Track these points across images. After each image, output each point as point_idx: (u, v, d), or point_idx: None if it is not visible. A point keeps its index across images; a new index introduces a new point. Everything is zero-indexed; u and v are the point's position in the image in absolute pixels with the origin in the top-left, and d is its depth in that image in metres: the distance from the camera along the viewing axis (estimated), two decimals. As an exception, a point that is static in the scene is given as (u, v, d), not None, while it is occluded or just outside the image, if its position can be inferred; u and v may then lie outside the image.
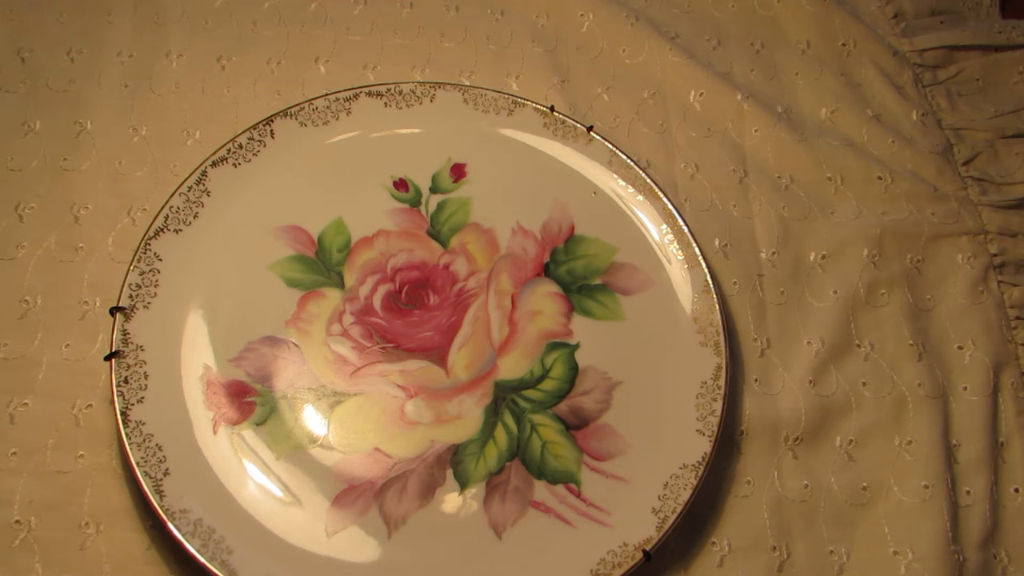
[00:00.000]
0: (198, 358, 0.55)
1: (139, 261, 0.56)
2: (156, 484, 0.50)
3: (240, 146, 0.61)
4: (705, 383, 0.56)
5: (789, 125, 0.69)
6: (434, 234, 0.61)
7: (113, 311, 0.55)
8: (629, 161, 0.63)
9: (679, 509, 0.52)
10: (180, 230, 0.58)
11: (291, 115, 0.63)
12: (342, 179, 0.63)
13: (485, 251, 0.61)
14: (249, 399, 0.55)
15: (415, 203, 0.62)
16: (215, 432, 0.53)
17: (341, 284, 0.59)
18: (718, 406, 0.55)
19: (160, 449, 0.51)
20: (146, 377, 0.53)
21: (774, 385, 0.59)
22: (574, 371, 0.57)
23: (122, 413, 0.52)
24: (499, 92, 0.65)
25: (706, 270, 0.59)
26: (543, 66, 0.70)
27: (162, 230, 0.58)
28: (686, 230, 0.61)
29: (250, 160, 0.61)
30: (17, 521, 0.52)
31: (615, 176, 0.63)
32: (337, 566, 0.50)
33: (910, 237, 0.65)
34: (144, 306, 0.55)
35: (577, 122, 0.65)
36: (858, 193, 0.67)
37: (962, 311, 0.63)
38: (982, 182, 0.68)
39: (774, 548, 0.55)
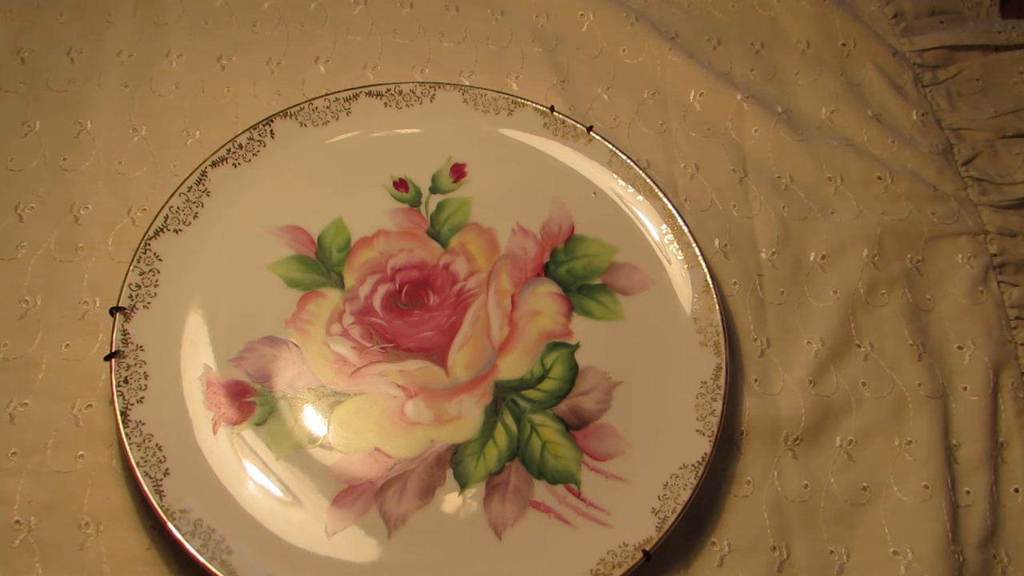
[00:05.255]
0: (198, 358, 0.55)
1: (139, 261, 0.56)
2: (156, 484, 0.50)
3: (240, 146, 0.61)
4: (705, 383, 0.56)
5: (789, 125, 0.69)
6: (434, 234, 0.61)
7: (113, 311, 0.55)
8: (629, 161, 0.63)
9: (679, 509, 0.52)
10: (180, 230, 0.58)
11: (291, 115, 0.63)
12: (342, 179, 0.63)
13: (485, 251, 0.61)
14: (249, 399, 0.55)
15: (415, 203, 0.62)
16: (215, 432, 0.53)
17: (341, 284, 0.59)
18: (718, 406, 0.55)
19: (160, 449, 0.51)
20: (146, 377, 0.53)
21: (774, 385, 0.59)
22: (574, 371, 0.57)
23: (122, 413, 0.52)
24: (499, 92, 0.65)
25: (706, 270, 0.59)
26: (543, 66, 0.70)
27: (162, 230, 0.58)
28: (686, 230, 0.61)
29: (250, 160, 0.61)
30: (17, 521, 0.52)
31: (615, 176, 0.63)
32: (337, 566, 0.50)
33: (910, 237, 0.65)
34: (144, 306, 0.55)
35: (577, 122, 0.65)
36: (858, 193, 0.67)
37: (962, 311, 0.63)
38: (982, 182, 0.68)
39: (774, 548, 0.55)
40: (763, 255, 0.64)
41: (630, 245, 0.61)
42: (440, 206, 0.62)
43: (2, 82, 0.66)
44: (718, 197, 0.66)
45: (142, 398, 0.53)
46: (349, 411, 0.55)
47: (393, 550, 0.51)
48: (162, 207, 0.58)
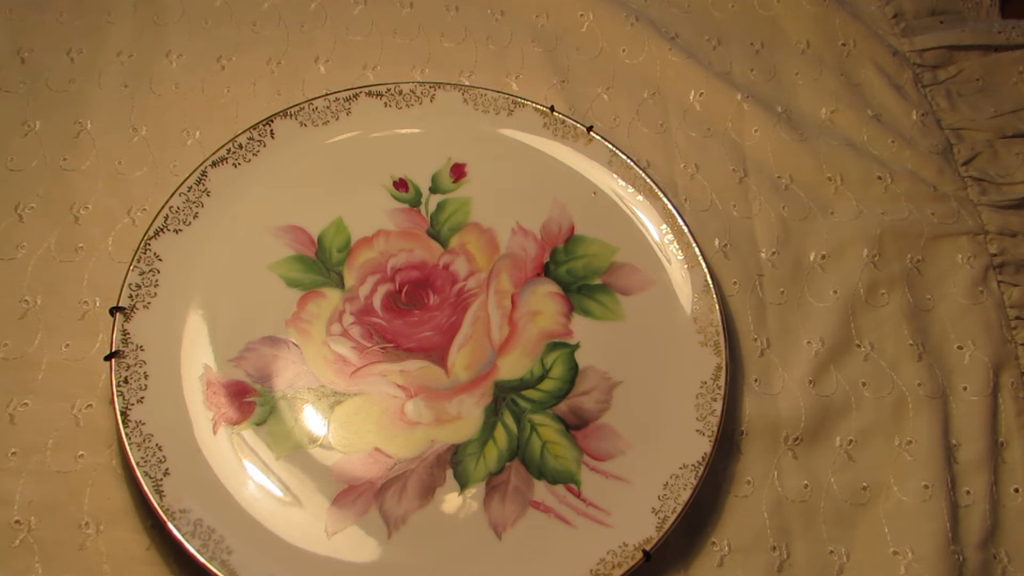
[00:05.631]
0: (198, 358, 0.55)
1: (139, 261, 0.56)
2: (156, 484, 0.50)
3: (240, 146, 0.61)
4: (705, 383, 0.56)
5: (789, 125, 0.69)
6: (434, 234, 0.61)
7: (113, 311, 0.55)
8: (629, 161, 0.63)
9: (679, 509, 0.52)
10: (180, 230, 0.58)
11: (291, 115, 0.63)
12: (342, 179, 0.63)
13: (485, 251, 0.61)
14: (249, 399, 0.55)
15: (415, 203, 0.62)
16: (215, 432, 0.53)
17: (341, 284, 0.59)
18: (718, 406, 0.55)
19: (160, 449, 0.51)
20: (146, 377, 0.53)
21: (774, 385, 0.59)
22: (574, 371, 0.57)
23: (122, 413, 0.52)
24: (499, 92, 0.65)
25: (706, 270, 0.59)
26: (543, 66, 0.70)
27: (162, 230, 0.58)
28: (686, 230, 0.61)
29: (250, 160, 0.61)
30: (17, 521, 0.52)
31: (615, 176, 0.63)
32: (337, 566, 0.50)
33: (910, 237, 0.65)
34: (144, 306, 0.55)
35: (577, 122, 0.65)
36: (858, 193, 0.67)
37: (962, 311, 0.63)
38: (982, 182, 0.68)
39: (774, 548, 0.55)
40: (763, 255, 0.64)
41: (630, 245, 0.61)
42: (440, 206, 0.62)
43: (2, 82, 0.66)
44: (718, 197, 0.66)
45: (142, 398, 0.53)
46: (349, 411, 0.55)
47: (393, 550, 0.51)
48: (162, 207, 0.58)
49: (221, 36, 0.69)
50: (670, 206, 0.62)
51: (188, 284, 0.57)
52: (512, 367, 0.57)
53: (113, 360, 0.53)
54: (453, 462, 0.54)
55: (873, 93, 0.72)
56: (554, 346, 0.58)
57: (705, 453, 0.54)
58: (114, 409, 0.52)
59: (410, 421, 0.55)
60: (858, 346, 0.61)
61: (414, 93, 0.65)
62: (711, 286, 0.59)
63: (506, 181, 0.63)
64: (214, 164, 0.60)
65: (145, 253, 0.57)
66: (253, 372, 0.55)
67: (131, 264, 0.56)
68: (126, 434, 0.51)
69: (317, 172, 0.62)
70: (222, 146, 0.61)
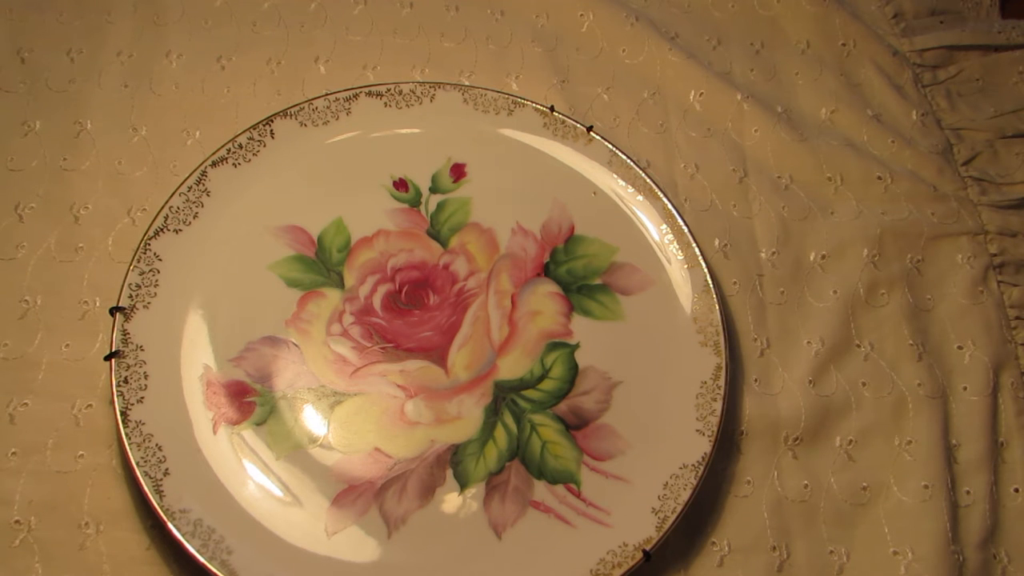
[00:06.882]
0: (198, 358, 0.55)
1: (139, 261, 0.56)
2: (156, 484, 0.50)
3: (240, 146, 0.61)
4: (705, 383, 0.56)
5: (789, 125, 0.69)
6: (434, 234, 0.61)
7: (113, 311, 0.55)
8: (629, 161, 0.63)
9: (679, 509, 0.52)
10: (180, 230, 0.58)
11: (291, 115, 0.63)
12: (342, 179, 0.63)
13: (485, 251, 0.61)
14: (249, 399, 0.55)
15: (415, 203, 0.62)
16: (215, 432, 0.53)
17: (341, 284, 0.59)
18: (718, 406, 0.55)
19: (160, 449, 0.51)
20: (146, 377, 0.53)
21: (774, 385, 0.59)
22: (574, 371, 0.57)
23: (122, 413, 0.52)
24: (499, 92, 0.65)
25: (706, 270, 0.59)
26: (543, 66, 0.70)
27: (162, 230, 0.58)
28: (686, 230, 0.61)
29: (250, 160, 0.61)
30: (17, 521, 0.52)
31: (615, 176, 0.63)
32: (337, 566, 0.50)
33: (910, 237, 0.65)
34: (144, 306, 0.55)
35: (577, 122, 0.65)
36: (858, 193, 0.67)
37: (962, 311, 0.63)
38: (982, 182, 0.68)
39: (774, 548, 0.55)
40: (763, 255, 0.64)
41: (630, 245, 0.61)
42: (440, 206, 0.62)
43: (2, 82, 0.66)
44: (718, 197, 0.66)
45: (142, 398, 0.53)
46: (349, 411, 0.55)
47: (393, 550, 0.51)
48: (162, 207, 0.58)
49: (221, 36, 0.69)
50: (670, 206, 0.62)
51: (188, 284, 0.57)
52: (512, 367, 0.57)
53: (113, 360, 0.53)
54: (453, 462, 0.54)
55: (873, 93, 0.72)
56: (554, 346, 0.58)
57: (705, 453, 0.54)
58: (114, 409, 0.52)
59: (410, 421, 0.55)
60: (858, 346, 0.61)
61: (414, 93, 0.65)
62: (711, 286, 0.59)
63: (506, 181, 0.63)
64: (214, 164, 0.60)
65: (145, 253, 0.57)
66: (253, 372, 0.55)
67: (131, 264, 0.56)
68: (126, 434, 0.51)
69: (317, 172, 0.62)
70: (222, 146, 0.61)
